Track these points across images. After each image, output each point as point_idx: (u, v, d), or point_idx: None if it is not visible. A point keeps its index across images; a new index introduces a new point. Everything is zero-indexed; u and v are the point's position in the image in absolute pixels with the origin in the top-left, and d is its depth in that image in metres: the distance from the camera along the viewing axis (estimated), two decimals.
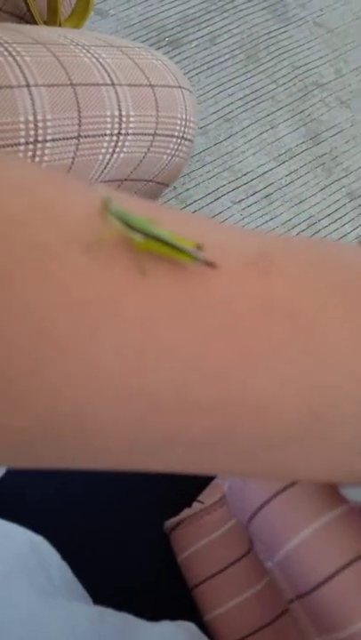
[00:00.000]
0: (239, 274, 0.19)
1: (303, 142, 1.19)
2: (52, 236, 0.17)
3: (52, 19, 0.63)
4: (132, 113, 0.54)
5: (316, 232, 1.13)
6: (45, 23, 0.64)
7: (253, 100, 1.21)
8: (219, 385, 0.18)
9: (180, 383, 0.18)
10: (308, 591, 0.29)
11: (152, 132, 0.56)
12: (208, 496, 0.38)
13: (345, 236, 1.13)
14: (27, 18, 0.63)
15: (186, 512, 0.38)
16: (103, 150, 0.53)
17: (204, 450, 0.20)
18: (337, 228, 1.14)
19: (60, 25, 0.64)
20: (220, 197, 1.12)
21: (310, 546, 0.29)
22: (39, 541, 0.35)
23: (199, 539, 0.37)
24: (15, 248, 0.17)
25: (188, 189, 1.11)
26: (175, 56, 1.18)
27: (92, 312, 0.17)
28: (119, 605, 0.34)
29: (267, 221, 1.12)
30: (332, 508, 0.29)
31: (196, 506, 0.39)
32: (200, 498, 0.39)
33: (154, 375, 0.18)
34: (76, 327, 0.17)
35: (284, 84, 1.23)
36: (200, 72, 1.20)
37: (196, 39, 1.23)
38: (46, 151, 0.49)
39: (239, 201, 1.12)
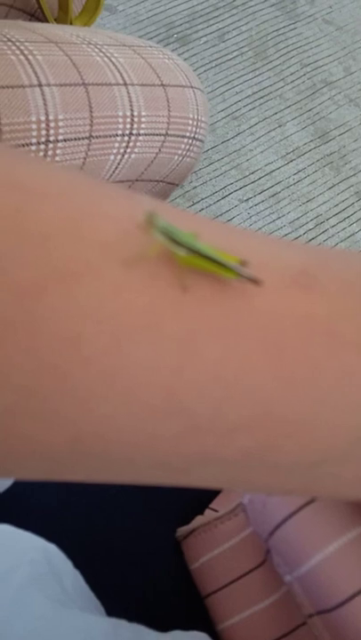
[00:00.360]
0: (282, 291, 0.19)
1: (311, 140, 1.19)
2: (89, 251, 0.17)
3: (62, 16, 0.63)
4: (143, 113, 0.53)
5: (324, 231, 1.12)
6: (56, 20, 0.63)
7: (262, 97, 1.20)
8: (259, 403, 0.18)
9: (218, 401, 0.17)
10: (331, 608, 0.28)
11: (164, 132, 0.55)
12: (222, 504, 0.38)
13: (353, 235, 1.12)
14: (37, 15, 0.62)
15: (199, 520, 0.38)
16: (115, 151, 0.53)
17: (240, 469, 0.19)
18: (345, 228, 1.13)
19: (70, 22, 0.64)
20: (227, 195, 1.11)
21: (335, 562, 0.28)
22: (52, 549, 0.35)
23: (213, 548, 0.37)
24: (49, 260, 0.16)
25: (195, 187, 1.10)
26: (183, 53, 1.17)
27: (128, 325, 0.17)
28: (130, 613, 0.34)
29: (274, 220, 1.11)
30: (357, 524, 0.29)
31: (208, 514, 0.38)
32: (213, 505, 0.39)
33: (191, 393, 0.17)
34: (108, 341, 0.16)
35: (293, 81, 1.22)
36: (208, 69, 1.19)
37: (205, 36, 1.22)
38: (58, 151, 0.48)
39: (246, 199, 1.12)
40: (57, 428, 0.17)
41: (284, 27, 1.27)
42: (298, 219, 1.12)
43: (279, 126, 1.19)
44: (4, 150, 0.19)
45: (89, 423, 0.17)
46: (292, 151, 1.17)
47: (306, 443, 0.19)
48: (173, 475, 0.19)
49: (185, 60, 0.61)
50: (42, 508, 0.39)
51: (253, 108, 1.18)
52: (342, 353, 0.18)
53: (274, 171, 1.15)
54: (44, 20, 0.62)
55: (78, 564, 0.36)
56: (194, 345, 0.17)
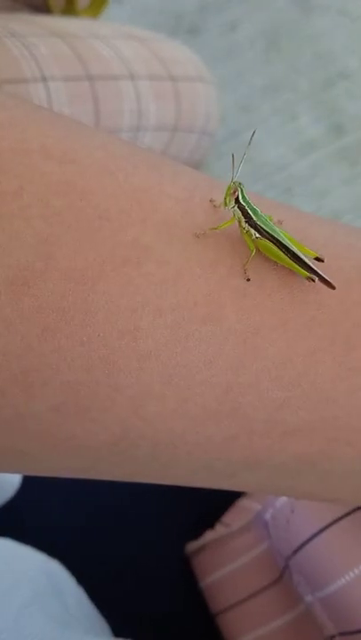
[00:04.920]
0: (353, 284, 0.17)
1: (326, 134, 1.16)
2: (149, 233, 0.15)
3: (69, 8, 0.61)
4: (151, 107, 0.52)
5: None
6: (63, 12, 0.62)
7: (274, 90, 1.17)
8: (321, 407, 0.16)
9: (278, 404, 0.16)
10: (357, 630, 0.27)
11: (172, 126, 0.54)
12: (234, 518, 0.36)
13: None
14: (43, 7, 0.61)
15: (209, 535, 0.36)
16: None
17: (288, 475, 0.18)
18: None
19: (77, 15, 0.62)
20: None
21: None
22: (54, 566, 0.33)
23: (224, 564, 0.35)
24: (106, 244, 0.15)
25: None
26: (194, 44, 1.15)
27: (187, 318, 0.15)
28: (138, 632, 0.33)
29: None
30: None
31: (219, 528, 0.37)
32: (225, 519, 0.37)
33: (249, 393, 0.16)
34: (165, 334, 0.15)
35: (307, 73, 1.20)
36: (219, 61, 1.16)
37: (216, 27, 1.19)
38: None
39: (259, 194, 1.10)
40: (103, 427, 0.15)
41: (297, 17, 1.24)
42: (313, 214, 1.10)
43: (292, 119, 1.16)
44: (55, 119, 0.17)
45: (138, 423, 0.15)
46: (307, 145, 1.15)
47: None
48: (215, 479, 0.18)
49: (195, 51, 0.59)
50: (44, 521, 0.37)
51: (266, 100, 1.16)
52: None
53: (287, 165, 1.13)
54: (49, 12, 0.61)
55: (83, 580, 0.34)
56: (255, 340, 0.16)
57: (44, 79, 0.46)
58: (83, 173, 0.15)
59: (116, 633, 0.34)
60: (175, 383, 0.15)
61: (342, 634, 0.28)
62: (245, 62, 1.18)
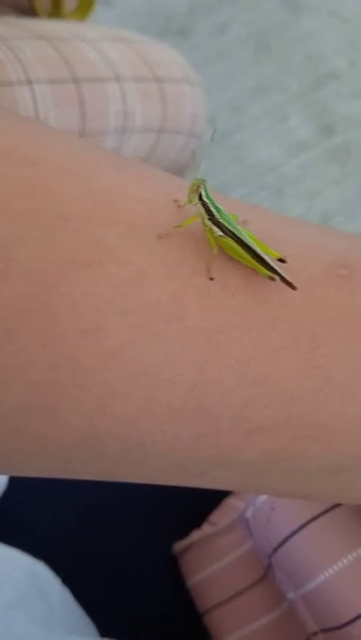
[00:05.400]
0: (318, 282, 0.17)
1: (316, 134, 1.16)
2: (111, 234, 0.15)
3: (55, 11, 0.61)
4: (137, 108, 0.52)
5: None
6: (49, 16, 0.62)
7: (264, 91, 1.18)
8: (286, 405, 0.16)
9: (243, 402, 0.16)
10: (338, 626, 0.27)
11: (158, 128, 0.54)
12: (220, 517, 0.36)
13: (359, 232, 1.10)
14: (29, 11, 0.61)
15: (196, 535, 0.36)
16: (108, 147, 0.51)
17: (258, 472, 0.18)
18: (352, 224, 1.11)
19: (63, 18, 0.62)
20: (228, 192, 1.09)
21: (343, 580, 0.27)
22: (38, 567, 0.33)
23: (210, 563, 0.35)
24: (68, 245, 0.15)
25: None
26: (183, 46, 1.16)
27: (151, 317, 0.15)
28: (125, 632, 0.33)
29: None
30: None
31: (205, 527, 0.37)
32: (211, 518, 0.37)
33: (215, 392, 0.16)
34: (130, 334, 0.15)
35: (296, 74, 1.20)
36: (209, 62, 1.17)
37: (205, 28, 1.20)
38: None
39: (249, 196, 1.10)
40: (71, 426, 0.15)
41: (287, 18, 1.24)
42: (303, 215, 1.10)
43: (283, 120, 1.17)
44: (18, 122, 0.18)
45: (105, 422, 0.16)
46: (297, 145, 1.15)
47: (334, 447, 0.17)
48: (187, 477, 0.18)
49: (185, 53, 0.59)
50: (30, 522, 0.38)
51: (256, 101, 1.16)
52: None
53: (278, 166, 1.13)
54: (35, 15, 0.61)
55: (71, 580, 0.34)
56: (219, 339, 0.16)
57: (30, 82, 0.46)
58: (45, 175, 0.15)
59: (103, 633, 0.34)
60: (141, 382, 0.15)
61: (324, 630, 0.28)
62: (235, 64, 1.18)
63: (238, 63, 1.19)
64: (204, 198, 0.16)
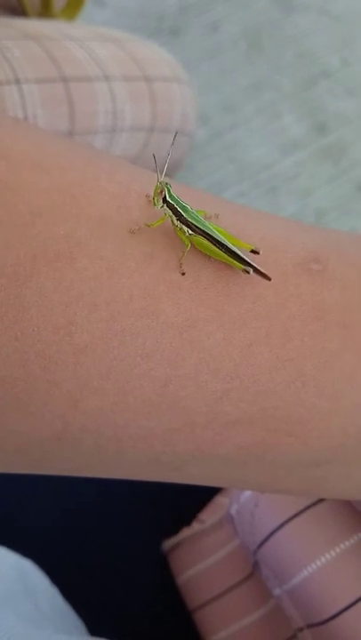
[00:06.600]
0: (290, 277, 0.17)
1: (309, 133, 1.16)
2: (82, 229, 0.15)
3: (45, 11, 0.61)
4: (126, 108, 0.52)
5: (324, 226, 1.10)
6: (39, 15, 0.62)
7: (257, 89, 1.18)
8: (260, 398, 0.17)
9: (217, 396, 0.16)
10: (323, 621, 0.27)
11: (148, 126, 0.54)
12: (209, 515, 0.37)
13: (354, 229, 1.10)
14: (18, 11, 0.61)
15: (185, 532, 0.36)
16: (97, 146, 0.51)
17: (235, 466, 0.18)
18: (346, 222, 1.11)
19: (53, 17, 0.62)
20: (222, 191, 1.09)
21: (327, 575, 0.27)
22: (26, 565, 0.33)
23: (199, 560, 0.35)
24: (38, 240, 0.15)
25: (189, 183, 1.08)
26: (176, 45, 1.16)
27: (123, 312, 0.15)
28: (115, 630, 0.33)
29: None
30: (349, 535, 0.27)
31: (195, 525, 0.37)
32: (201, 516, 0.37)
33: (189, 386, 0.16)
34: (101, 328, 0.15)
35: (289, 72, 1.20)
36: (201, 61, 1.17)
37: (198, 27, 1.20)
38: None
39: (243, 194, 1.10)
40: (43, 422, 0.16)
41: (279, 17, 1.25)
42: (297, 213, 1.10)
43: (276, 119, 1.17)
44: None
45: (78, 417, 0.16)
46: (290, 144, 1.15)
47: (310, 441, 0.17)
48: (164, 471, 0.18)
49: (177, 52, 0.59)
50: (18, 521, 0.38)
51: (249, 100, 1.16)
52: (356, 346, 0.17)
53: (271, 164, 1.13)
54: (25, 15, 0.61)
55: (60, 579, 0.34)
56: (192, 333, 0.16)
57: (18, 81, 0.46)
58: (15, 170, 0.16)
59: (92, 631, 0.34)
60: (114, 377, 0.15)
61: (310, 625, 0.28)
62: (228, 62, 1.18)
63: (231, 62, 1.19)
64: (169, 199, 0.16)
